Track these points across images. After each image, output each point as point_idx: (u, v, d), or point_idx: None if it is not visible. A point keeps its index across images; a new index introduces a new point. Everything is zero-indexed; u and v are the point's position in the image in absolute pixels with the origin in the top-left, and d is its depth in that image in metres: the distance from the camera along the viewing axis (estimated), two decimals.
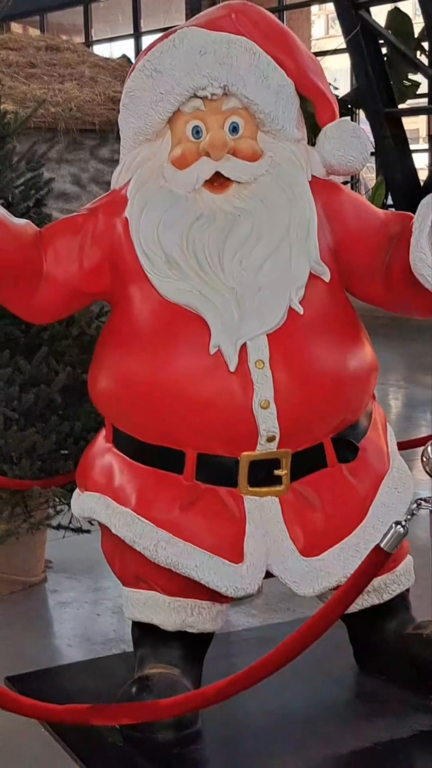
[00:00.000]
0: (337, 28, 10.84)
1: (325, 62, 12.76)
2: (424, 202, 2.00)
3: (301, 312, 2.04)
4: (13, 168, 2.93)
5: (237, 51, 2.06)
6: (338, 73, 12.91)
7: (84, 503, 2.23)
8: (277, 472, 2.08)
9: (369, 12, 10.35)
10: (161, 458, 2.11)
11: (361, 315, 2.22)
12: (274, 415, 2.01)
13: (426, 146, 11.99)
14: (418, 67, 10.30)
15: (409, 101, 11.05)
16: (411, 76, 10.70)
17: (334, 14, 11.07)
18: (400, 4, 10.75)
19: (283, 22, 12.72)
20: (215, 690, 1.72)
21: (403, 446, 2.39)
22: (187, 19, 13.30)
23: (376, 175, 10.91)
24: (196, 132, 2.09)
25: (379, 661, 2.30)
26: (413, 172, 10.42)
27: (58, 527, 2.87)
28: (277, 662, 1.70)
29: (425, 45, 10.35)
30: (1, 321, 2.71)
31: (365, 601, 2.22)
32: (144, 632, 2.20)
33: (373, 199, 10.13)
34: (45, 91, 8.36)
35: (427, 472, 1.55)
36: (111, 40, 15.91)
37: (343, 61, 11.54)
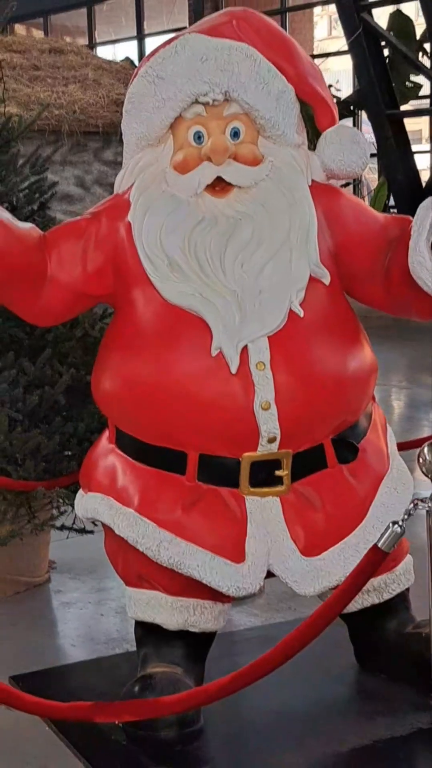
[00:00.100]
0: (339, 29, 10.86)
1: (328, 63, 12.79)
2: (422, 205, 2.02)
3: (302, 314, 2.06)
4: (17, 172, 2.95)
5: (238, 57, 2.09)
6: (341, 75, 12.94)
7: (87, 504, 2.25)
8: (278, 472, 2.10)
9: (371, 14, 10.37)
10: (164, 459, 2.13)
11: (363, 316, 2.24)
12: (275, 416, 2.04)
13: (428, 147, 12.00)
14: (420, 68, 10.32)
15: (411, 102, 11.07)
16: (413, 78, 10.71)
17: (337, 15, 11.09)
18: (402, 6, 10.77)
19: (285, 23, 12.79)
20: (217, 687, 1.75)
21: (403, 447, 2.41)
22: (190, 20, 13.34)
23: (378, 177, 10.92)
24: (198, 137, 2.11)
25: (379, 660, 2.32)
26: (415, 173, 10.44)
27: (62, 528, 2.90)
28: (278, 660, 1.72)
29: (427, 47, 10.36)
30: (6, 323, 2.74)
31: (365, 600, 2.25)
32: (147, 632, 2.22)
33: (375, 201, 10.15)
34: (49, 94, 8.40)
35: (423, 472, 1.58)
36: (114, 42, 15.95)
37: (346, 63, 11.56)
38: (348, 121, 11.50)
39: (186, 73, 2.09)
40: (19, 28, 14.94)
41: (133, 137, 2.20)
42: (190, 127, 2.12)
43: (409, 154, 10.45)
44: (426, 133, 12.77)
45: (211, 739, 2.09)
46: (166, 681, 2.05)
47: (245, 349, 2.03)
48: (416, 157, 10.64)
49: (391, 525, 1.61)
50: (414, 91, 10.82)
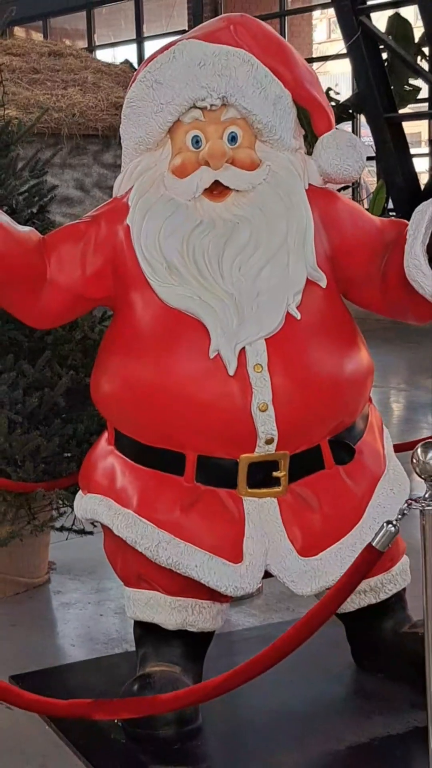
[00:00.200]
0: (338, 32, 10.88)
1: (327, 66, 12.81)
2: (418, 209, 2.04)
3: (299, 317, 2.08)
4: (17, 175, 2.97)
5: (235, 63, 2.11)
6: (340, 78, 12.96)
7: (87, 505, 2.27)
8: (275, 473, 2.12)
9: (369, 18, 10.40)
10: (162, 460, 2.15)
11: (362, 319, 2.26)
12: (273, 417, 2.06)
13: (427, 150, 12.02)
14: (418, 72, 10.34)
15: (409, 106, 11.09)
16: (411, 81, 10.74)
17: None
18: (400, 10, 10.80)
19: (284, 26, 12.80)
20: (214, 684, 1.77)
21: (400, 448, 2.43)
22: (189, 23, 13.37)
23: (377, 180, 10.95)
24: (196, 142, 2.14)
25: (376, 659, 2.34)
26: (414, 176, 10.46)
27: (62, 529, 2.92)
28: (274, 658, 1.75)
29: (426, 50, 10.39)
30: (6, 326, 2.75)
31: (362, 600, 2.27)
32: (146, 631, 2.24)
33: (374, 204, 10.17)
34: (48, 97, 8.42)
35: (417, 473, 1.60)
36: (114, 45, 15.97)
37: (345, 66, 11.58)
38: (347, 125, 11.52)
39: (184, 78, 2.12)
40: (19, 31, 14.97)
41: (131, 141, 2.22)
42: (188, 131, 2.14)
43: (408, 157, 10.48)
44: (425, 136, 12.80)
45: (209, 737, 2.11)
46: (165, 680, 2.07)
47: (243, 351, 2.05)
48: (415, 160, 10.66)
49: (385, 524, 1.63)
50: (412, 95, 10.85)
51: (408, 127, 10.97)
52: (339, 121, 10.69)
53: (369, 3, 10.59)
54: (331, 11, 11.18)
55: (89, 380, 2.32)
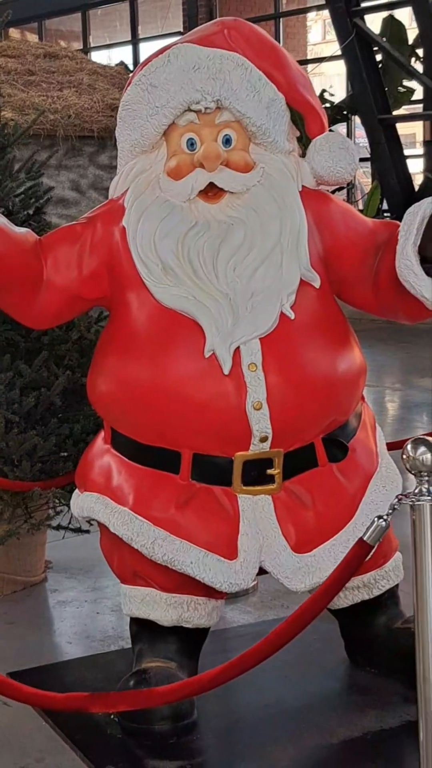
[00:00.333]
0: (333, 34, 10.91)
1: (322, 68, 12.85)
2: (410, 210, 2.07)
3: (293, 317, 2.11)
4: (13, 177, 2.99)
5: (229, 66, 2.14)
6: (335, 79, 13.00)
7: (83, 503, 2.29)
8: (269, 471, 2.15)
9: (364, 20, 10.43)
10: (158, 458, 2.18)
11: (357, 319, 2.29)
12: (267, 416, 2.08)
13: (421, 151, 12.06)
14: (412, 73, 10.37)
15: (404, 107, 11.13)
16: (405, 83, 10.77)
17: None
18: (394, 12, 10.83)
19: (279, 28, 12.81)
20: (209, 677, 1.80)
21: (393, 446, 2.46)
22: (184, 25, 13.40)
23: (372, 181, 10.98)
24: (191, 144, 2.16)
25: (369, 655, 2.37)
26: (408, 177, 10.49)
27: (58, 528, 2.94)
28: (267, 651, 1.78)
29: (420, 52, 10.43)
30: (2, 326, 2.78)
31: (356, 596, 2.30)
32: (141, 628, 2.27)
33: (369, 204, 10.21)
34: (44, 99, 8.44)
35: (407, 468, 1.63)
36: (109, 46, 15.99)
37: (340, 67, 11.62)
38: (341, 126, 11.56)
39: (178, 82, 2.14)
40: (14, 32, 14.97)
41: (127, 144, 2.25)
42: (183, 134, 2.17)
43: (402, 159, 10.51)
44: (419, 137, 12.84)
45: (205, 732, 2.13)
46: (161, 675, 2.10)
47: (238, 350, 2.08)
48: (409, 161, 10.69)
49: (376, 519, 1.66)
50: (407, 96, 10.89)
51: (402, 128, 11.00)
52: (333, 122, 10.73)
53: (363, 5, 10.62)
54: (326, 12, 11.21)
55: (85, 380, 2.35)
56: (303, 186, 2.19)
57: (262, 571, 2.20)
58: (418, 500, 1.59)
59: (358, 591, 2.29)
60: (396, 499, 1.61)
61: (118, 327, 2.22)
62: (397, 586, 2.37)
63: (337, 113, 11.04)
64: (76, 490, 2.37)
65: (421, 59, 10.35)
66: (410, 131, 13.28)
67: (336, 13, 10.36)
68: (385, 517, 1.64)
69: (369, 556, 1.87)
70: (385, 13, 10.88)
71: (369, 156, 10.75)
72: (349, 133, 11.78)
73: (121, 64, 11.39)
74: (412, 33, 10.53)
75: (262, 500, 2.16)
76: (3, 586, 2.97)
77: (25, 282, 2.20)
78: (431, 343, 7.60)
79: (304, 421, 2.15)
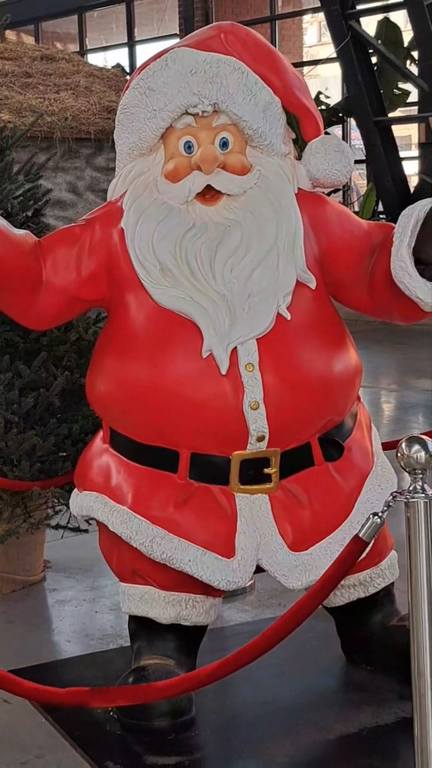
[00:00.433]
0: (329, 36, 10.94)
1: (317, 70, 12.89)
2: (404, 212, 2.10)
3: (289, 318, 2.13)
4: (12, 179, 3.02)
5: (226, 70, 2.16)
6: (330, 81, 13.03)
7: (82, 502, 2.32)
8: (266, 470, 2.17)
9: (359, 22, 10.47)
10: (157, 458, 2.20)
11: (353, 321, 2.31)
12: (264, 415, 2.11)
13: (417, 153, 12.10)
14: (407, 76, 10.41)
15: (399, 109, 11.17)
16: (401, 85, 10.81)
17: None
18: (389, 15, 10.87)
19: (275, 30, 12.83)
20: (207, 672, 1.83)
21: (388, 446, 2.48)
22: (180, 27, 13.42)
23: (367, 183, 11.02)
24: (188, 147, 2.19)
25: (365, 652, 2.39)
26: (403, 179, 10.53)
27: (57, 527, 2.96)
28: (263, 647, 1.81)
29: (415, 54, 10.46)
30: (1, 327, 2.79)
31: (352, 594, 2.32)
32: (140, 625, 2.29)
33: (364, 206, 10.24)
34: (41, 101, 8.45)
35: (402, 466, 1.65)
36: (105, 48, 16.01)
37: (336, 69, 11.65)
38: (337, 128, 11.59)
39: (176, 85, 2.17)
40: (10, 34, 14.97)
41: (125, 147, 2.27)
42: (181, 137, 2.19)
43: (398, 161, 10.55)
44: (415, 139, 12.88)
45: (203, 728, 2.15)
46: (159, 672, 2.12)
47: (235, 351, 2.10)
48: (405, 163, 10.73)
49: (371, 516, 1.69)
50: (402, 98, 10.93)
51: (398, 130, 11.04)
52: (329, 124, 10.77)
53: (358, 8, 10.66)
54: (322, 15, 11.24)
55: (84, 381, 2.37)
56: (299, 188, 2.22)
57: (259, 569, 2.22)
58: (413, 497, 1.61)
59: (354, 589, 2.32)
60: (391, 497, 1.64)
61: (117, 328, 2.24)
62: (392, 584, 2.39)
63: (333, 115, 11.07)
64: (75, 490, 2.39)
65: (416, 62, 10.39)
66: (405, 133, 13.32)
67: (331, 16, 10.40)
68: (380, 513, 1.67)
69: (364, 554, 1.90)
70: (380, 16, 10.92)
71: (364, 158, 10.79)
72: (345, 135, 11.81)
73: (118, 66, 11.41)
74: (408, 35, 10.57)
75: (259, 499, 2.18)
76: (2, 586, 2.99)
77: (24, 283, 2.23)
78: (426, 344, 7.64)
79: (301, 420, 2.18)
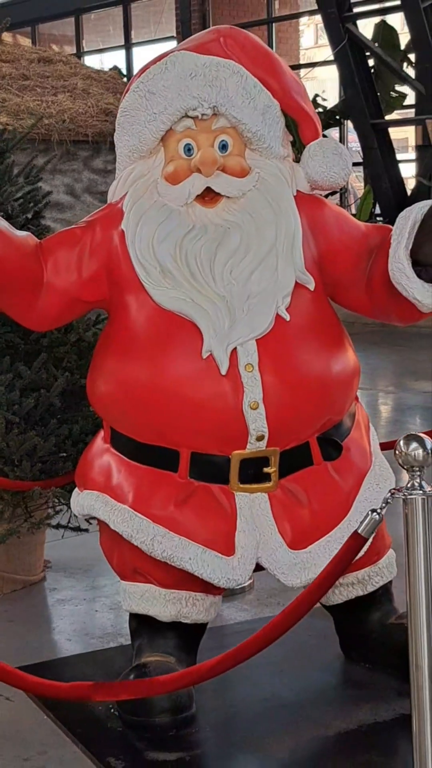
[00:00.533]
0: (326, 38, 10.98)
1: (314, 72, 12.92)
2: (402, 214, 2.12)
3: (288, 318, 2.16)
4: (12, 182, 3.03)
5: (225, 74, 2.18)
6: (327, 83, 13.07)
7: (83, 501, 2.33)
8: (266, 469, 2.19)
9: (356, 25, 10.51)
10: (157, 457, 2.22)
11: (351, 323, 2.33)
12: (263, 415, 2.13)
13: (414, 156, 12.14)
14: (404, 78, 10.45)
15: (396, 112, 11.21)
16: (398, 88, 10.85)
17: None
18: (386, 17, 10.91)
19: (272, 33, 12.86)
20: (207, 667, 1.85)
21: (386, 446, 2.51)
22: (177, 30, 13.45)
23: (365, 185, 11.05)
24: (188, 150, 2.21)
25: (364, 650, 2.41)
26: (400, 181, 10.57)
27: (57, 526, 2.98)
28: (262, 643, 1.83)
29: (411, 57, 10.50)
30: (2, 329, 2.81)
31: (350, 592, 2.34)
32: (141, 623, 2.31)
33: (362, 209, 10.28)
34: (38, 103, 8.47)
35: (400, 464, 1.68)
36: (102, 51, 16.03)
37: (333, 71, 11.68)
38: (334, 131, 11.62)
39: (176, 89, 2.19)
40: (6, 36, 14.98)
41: (125, 149, 2.29)
42: (180, 140, 2.21)
43: (395, 163, 10.59)
44: (412, 142, 12.91)
45: (203, 725, 2.17)
46: (160, 669, 2.13)
47: (234, 351, 2.13)
48: (402, 165, 10.76)
49: (370, 513, 1.71)
50: (399, 101, 10.97)
51: (395, 132, 11.08)
52: (326, 127, 10.79)
53: (356, 10, 10.70)
54: (319, 17, 11.28)
55: (84, 381, 2.39)
56: (297, 191, 2.24)
57: (258, 568, 2.24)
58: (410, 494, 1.63)
59: (352, 587, 2.34)
60: (389, 494, 1.66)
61: (117, 329, 2.26)
62: (390, 582, 2.41)
63: (330, 118, 11.11)
64: (76, 489, 2.41)
65: (413, 64, 10.43)
66: (402, 136, 13.35)
67: (328, 19, 10.44)
68: (378, 510, 1.69)
69: (363, 552, 1.92)
70: (377, 19, 10.96)
71: (362, 160, 10.82)
72: (342, 138, 11.84)
73: (115, 68, 11.45)
74: (404, 38, 10.61)
75: (259, 498, 2.21)
76: (2, 585, 3.01)
77: (25, 284, 2.24)
78: (424, 346, 7.66)
79: (300, 420, 2.20)
